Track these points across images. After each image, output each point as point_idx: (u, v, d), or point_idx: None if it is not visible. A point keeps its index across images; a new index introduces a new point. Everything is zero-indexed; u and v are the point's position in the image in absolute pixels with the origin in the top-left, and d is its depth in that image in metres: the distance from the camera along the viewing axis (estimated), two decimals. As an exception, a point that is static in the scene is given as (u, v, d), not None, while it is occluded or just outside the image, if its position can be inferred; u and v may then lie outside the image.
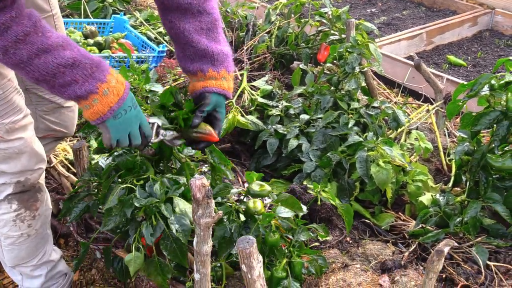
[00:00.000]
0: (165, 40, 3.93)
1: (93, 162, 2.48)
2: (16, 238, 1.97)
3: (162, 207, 1.75)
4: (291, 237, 2.02)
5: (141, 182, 1.86)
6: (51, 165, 2.60)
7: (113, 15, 4.00)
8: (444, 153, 2.86)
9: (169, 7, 1.74)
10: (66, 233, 2.54)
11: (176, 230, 1.73)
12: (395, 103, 3.36)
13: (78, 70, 1.48)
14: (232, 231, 1.85)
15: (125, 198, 1.79)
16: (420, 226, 2.33)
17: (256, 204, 1.89)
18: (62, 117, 2.21)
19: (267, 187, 1.97)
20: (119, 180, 1.94)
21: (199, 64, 1.78)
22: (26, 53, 1.43)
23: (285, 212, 1.93)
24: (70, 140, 2.87)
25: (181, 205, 1.78)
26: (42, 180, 1.99)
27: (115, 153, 1.94)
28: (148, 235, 1.74)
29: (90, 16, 4.15)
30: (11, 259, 2.03)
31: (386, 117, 2.79)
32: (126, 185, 1.84)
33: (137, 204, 1.74)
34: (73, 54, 1.48)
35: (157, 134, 1.72)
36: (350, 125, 2.66)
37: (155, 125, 1.71)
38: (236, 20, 3.83)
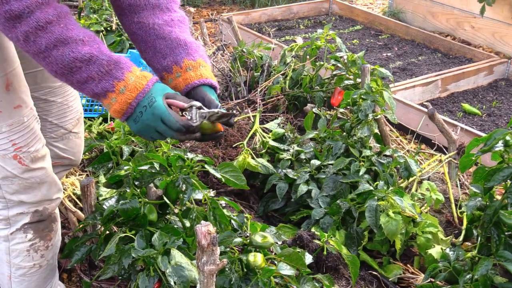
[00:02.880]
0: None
1: (100, 198, 2.47)
2: (28, 269, 1.95)
3: (158, 260, 1.74)
4: (295, 286, 1.98)
5: (141, 231, 1.86)
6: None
7: (129, 50, 4.03)
8: (456, 205, 2.82)
9: (137, 5, 1.71)
10: (69, 268, 2.52)
11: (175, 282, 1.71)
12: (408, 151, 3.33)
13: (94, 66, 1.48)
14: (233, 282, 1.82)
15: (123, 248, 1.78)
16: (429, 280, 2.27)
17: (257, 258, 1.86)
18: (70, 144, 2.21)
19: (270, 239, 1.95)
20: (120, 227, 1.95)
21: (172, 57, 1.70)
22: (45, 42, 1.44)
23: (287, 269, 1.90)
24: (80, 175, 2.87)
25: (178, 258, 1.77)
26: (57, 210, 1.99)
27: (121, 201, 1.94)
28: (143, 287, 1.72)
29: (107, 49, 4.19)
30: None
31: (398, 166, 2.76)
32: (125, 234, 1.83)
33: (134, 255, 1.74)
34: (91, 50, 1.47)
35: (201, 116, 1.59)
36: (361, 173, 2.63)
37: (194, 108, 1.59)
38: (252, 60, 3.84)
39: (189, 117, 1.57)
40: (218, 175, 2.10)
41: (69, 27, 1.46)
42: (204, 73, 1.69)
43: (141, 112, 1.53)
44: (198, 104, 1.59)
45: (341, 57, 3.41)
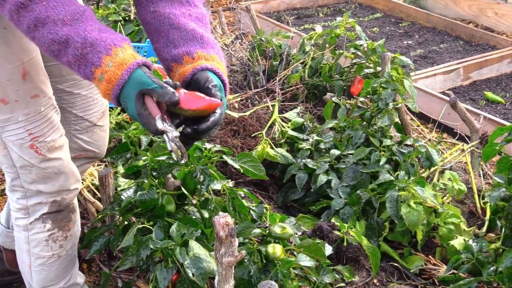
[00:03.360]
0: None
1: (119, 188, 2.47)
2: (47, 259, 1.96)
3: (176, 251, 1.72)
4: (314, 278, 1.96)
5: (159, 222, 1.85)
6: (77, 190, 2.59)
7: (147, 39, 4.01)
8: (479, 195, 2.77)
9: None
10: (89, 259, 2.52)
11: (193, 274, 1.69)
12: (429, 140, 3.28)
13: (70, 50, 1.36)
14: (252, 273, 1.81)
15: (141, 239, 1.77)
16: (451, 272, 2.24)
17: (276, 250, 1.84)
18: (94, 137, 2.21)
19: (289, 230, 1.92)
20: (138, 218, 1.94)
21: (185, 47, 1.52)
22: (26, 22, 1.37)
23: (306, 260, 1.88)
24: (98, 165, 2.86)
25: (196, 249, 1.76)
26: (75, 201, 1.99)
27: (139, 192, 1.93)
28: (161, 278, 1.71)
29: (126, 39, 4.18)
30: (39, 280, 2.01)
31: (419, 155, 2.72)
32: (143, 225, 1.82)
33: (152, 247, 1.73)
34: (70, 31, 1.34)
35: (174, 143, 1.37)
36: (381, 163, 2.60)
37: (170, 134, 1.36)
38: (270, 49, 3.81)
39: (169, 124, 1.37)
40: (236, 165, 2.08)
41: (50, 5, 1.35)
42: (216, 65, 1.50)
43: (124, 106, 1.39)
44: (173, 131, 1.37)
45: (361, 45, 3.37)
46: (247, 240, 1.98)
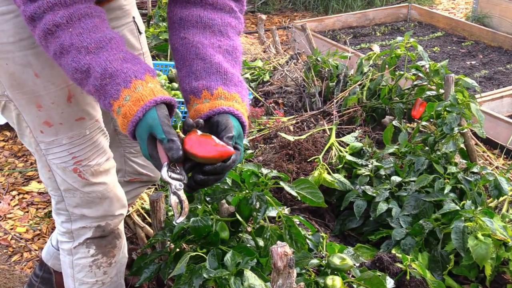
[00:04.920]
0: (251, 87, 3.86)
1: (170, 213, 2.41)
2: (90, 285, 1.92)
3: (231, 281, 1.66)
4: (376, 314, 1.84)
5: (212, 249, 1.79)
6: (127, 214, 2.54)
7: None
8: (553, 228, 2.59)
9: (188, 21, 1.54)
10: (137, 286, 2.47)
11: (248, 305, 1.62)
12: (497, 167, 3.10)
13: (90, 79, 1.33)
14: (309, 306, 1.72)
15: (194, 267, 1.72)
16: (524, 312, 2.07)
17: (335, 282, 1.77)
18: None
19: (349, 261, 1.84)
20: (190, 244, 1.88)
21: (206, 81, 1.45)
22: (53, 48, 1.34)
23: None
24: (148, 188, 2.81)
25: (251, 279, 1.69)
26: (121, 227, 1.95)
27: (192, 218, 1.86)
28: (215, 309, 1.64)
29: (178, 59, 4.16)
30: None
31: (487, 184, 2.56)
32: (196, 253, 1.76)
33: (206, 276, 1.67)
34: (92, 60, 1.31)
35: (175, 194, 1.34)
36: (446, 191, 2.46)
37: (173, 185, 1.31)
38: (326, 70, 3.71)
39: (178, 171, 1.33)
40: (293, 192, 2.00)
41: (75, 32, 1.32)
42: (236, 106, 1.43)
43: (139, 143, 1.34)
44: (177, 183, 1.32)
45: (422, 66, 3.24)
46: (303, 271, 1.89)
